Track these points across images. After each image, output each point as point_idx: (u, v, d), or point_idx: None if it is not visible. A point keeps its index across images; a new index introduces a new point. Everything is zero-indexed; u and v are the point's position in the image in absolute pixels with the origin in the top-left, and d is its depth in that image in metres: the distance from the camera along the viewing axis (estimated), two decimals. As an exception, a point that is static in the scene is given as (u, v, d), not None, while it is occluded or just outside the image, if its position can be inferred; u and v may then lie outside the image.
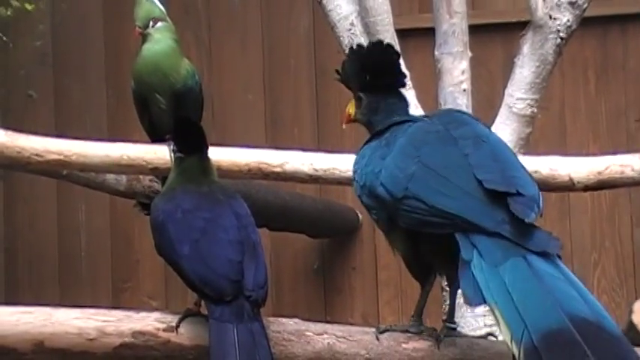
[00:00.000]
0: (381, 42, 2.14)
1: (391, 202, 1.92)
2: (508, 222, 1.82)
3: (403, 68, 2.12)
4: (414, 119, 2.06)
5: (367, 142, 2.08)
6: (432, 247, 1.92)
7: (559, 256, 1.82)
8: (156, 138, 2.94)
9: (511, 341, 1.71)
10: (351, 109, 2.15)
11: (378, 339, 1.97)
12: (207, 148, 2.16)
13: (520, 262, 1.78)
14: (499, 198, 1.84)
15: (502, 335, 1.74)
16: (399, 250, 1.98)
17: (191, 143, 2.14)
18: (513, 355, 1.70)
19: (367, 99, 2.11)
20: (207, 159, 2.16)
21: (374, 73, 2.08)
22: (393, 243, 1.99)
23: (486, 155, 1.91)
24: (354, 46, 2.15)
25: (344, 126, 2.23)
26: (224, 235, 2.00)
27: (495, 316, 1.75)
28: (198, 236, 1.99)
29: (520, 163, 1.96)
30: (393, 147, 1.97)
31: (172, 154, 2.20)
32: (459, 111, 2.17)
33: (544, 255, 1.80)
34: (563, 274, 1.78)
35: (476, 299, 1.78)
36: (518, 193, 1.84)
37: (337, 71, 2.14)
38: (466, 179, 1.87)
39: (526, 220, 1.81)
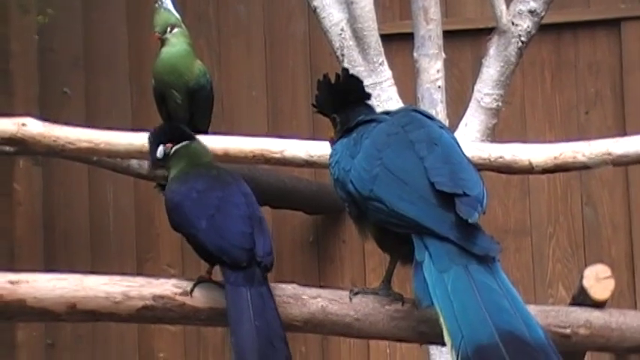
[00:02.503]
0: (345, 71, 2.11)
1: (360, 199, 1.90)
2: (456, 225, 1.79)
3: (366, 89, 2.10)
4: (377, 119, 2.02)
5: (339, 138, 2.06)
6: (396, 240, 1.89)
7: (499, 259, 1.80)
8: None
9: (451, 348, 1.70)
10: (331, 133, 2.12)
11: (351, 299, 1.95)
12: (194, 137, 2.14)
13: (462, 271, 1.75)
14: (448, 199, 1.82)
15: (445, 340, 1.72)
16: (370, 234, 1.95)
17: (180, 132, 2.13)
18: None
19: (339, 117, 2.08)
20: (199, 142, 2.14)
21: (341, 95, 2.06)
22: (363, 230, 1.96)
23: (438, 158, 1.88)
24: (321, 79, 2.11)
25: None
26: (236, 211, 1.99)
27: (440, 321, 1.74)
28: (213, 212, 1.98)
29: (468, 162, 1.93)
30: (360, 147, 1.95)
31: (168, 152, 2.14)
32: (417, 110, 2.11)
33: (486, 262, 1.77)
34: (498, 284, 1.76)
35: (425, 300, 1.76)
36: (465, 194, 1.82)
37: (313, 105, 2.12)
38: (421, 183, 1.84)
39: (469, 220, 1.78)
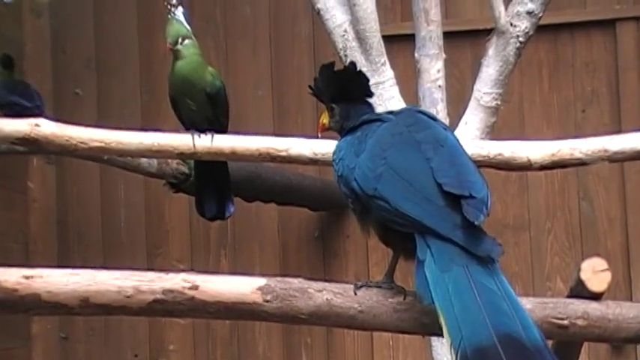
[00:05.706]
0: (352, 64, 2.09)
1: (364, 197, 1.88)
2: (461, 226, 1.77)
3: (370, 87, 2.08)
4: (382, 119, 1.99)
5: (344, 136, 2.04)
6: (399, 237, 1.88)
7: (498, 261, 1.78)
8: (187, 127, 2.99)
9: (450, 347, 1.68)
10: (324, 119, 2.10)
11: (355, 293, 1.94)
12: None
13: (462, 272, 1.73)
14: (454, 200, 1.80)
15: (445, 339, 1.71)
16: (373, 230, 1.94)
17: None
18: None
19: (339, 108, 2.06)
20: None
21: (344, 87, 2.04)
22: (366, 226, 1.95)
23: (445, 159, 1.86)
24: (324, 65, 2.08)
25: (319, 134, 2.17)
26: None
27: (440, 320, 1.72)
28: None
29: (473, 164, 1.91)
30: (365, 146, 1.92)
31: None
32: (421, 111, 2.09)
33: (486, 262, 1.76)
34: (497, 285, 1.74)
35: (426, 298, 1.75)
36: (471, 196, 1.81)
37: (310, 87, 2.09)
38: (426, 184, 1.82)
39: (475, 223, 1.77)
